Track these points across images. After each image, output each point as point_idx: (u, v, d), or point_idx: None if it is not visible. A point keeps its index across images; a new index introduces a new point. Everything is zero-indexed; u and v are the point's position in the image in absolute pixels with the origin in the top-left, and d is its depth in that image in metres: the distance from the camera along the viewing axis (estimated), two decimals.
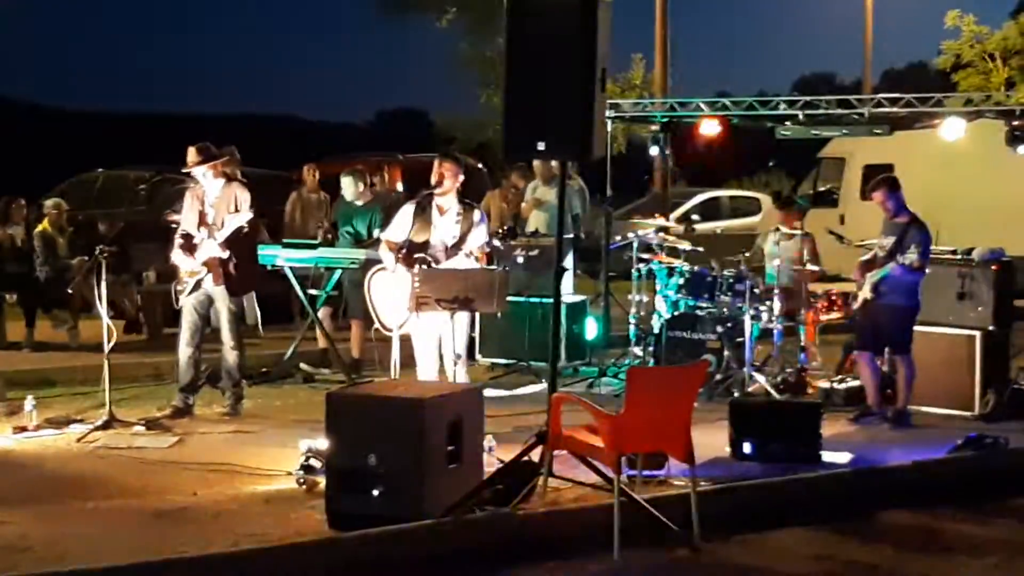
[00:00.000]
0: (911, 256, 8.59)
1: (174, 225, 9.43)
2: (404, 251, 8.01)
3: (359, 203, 11.26)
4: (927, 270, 8.87)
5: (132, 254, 13.01)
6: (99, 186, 16.33)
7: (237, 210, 8.77)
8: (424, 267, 7.88)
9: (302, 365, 10.82)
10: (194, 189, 9.01)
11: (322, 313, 11.08)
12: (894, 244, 8.82)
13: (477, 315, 9.51)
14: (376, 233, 10.84)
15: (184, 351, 8.94)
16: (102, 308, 8.61)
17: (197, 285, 8.84)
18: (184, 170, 9.00)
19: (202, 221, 8.83)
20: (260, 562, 5.62)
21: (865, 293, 8.95)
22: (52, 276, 12.09)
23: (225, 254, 8.76)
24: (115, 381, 8.79)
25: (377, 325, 8.25)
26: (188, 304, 8.90)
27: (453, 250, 8.03)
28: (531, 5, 7.00)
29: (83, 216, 14.31)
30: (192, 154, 8.85)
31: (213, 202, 8.85)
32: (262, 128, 49.29)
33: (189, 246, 8.82)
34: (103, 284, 8.63)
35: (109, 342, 8.58)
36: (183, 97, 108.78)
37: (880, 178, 9.23)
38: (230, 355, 9.04)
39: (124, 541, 5.84)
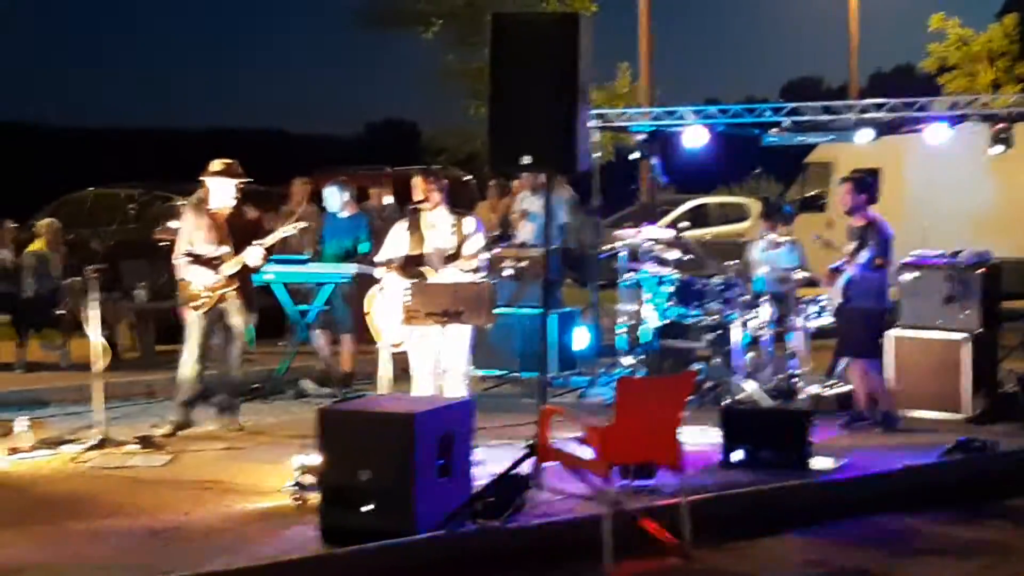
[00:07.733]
0: (864, 254, 8.66)
1: (164, 243, 9.37)
2: (399, 265, 8.08)
3: (344, 214, 11.05)
4: (900, 269, 8.98)
5: (123, 272, 13.03)
6: (89, 205, 16.34)
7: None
8: (416, 280, 7.92)
9: (302, 383, 10.69)
10: (200, 208, 8.89)
11: (319, 335, 10.99)
12: (855, 248, 8.88)
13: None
14: (361, 248, 10.73)
15: (194, 367, 8.85)
16: (94, 327, 8.61)
17: (218, 300, 8.82)
18: (208, 177, 8.85)
19: (222, 237, 8.80)
20: None
21: (836, 298, 9.05)
22: (43, 296, 12.07)
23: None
24: (107, 400, 8.79)
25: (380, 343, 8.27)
26: (204, 321, 8.84)
27: (450, 260, 8.06)
28: (515, 19, 7.09)
29: (74, 235, 14.31)
30: (222, 165, 8.85)
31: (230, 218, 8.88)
32: (247, 143, 49.02)
33: (207, 262, 8.77)
34: (95, 303, 8.64)
35: (103, 361, 8.57)
36: (167, 112, 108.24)
37: (850, 175, 9.29)
38: (240, 370, 9.13)
39: (118, 561, 5.86)
